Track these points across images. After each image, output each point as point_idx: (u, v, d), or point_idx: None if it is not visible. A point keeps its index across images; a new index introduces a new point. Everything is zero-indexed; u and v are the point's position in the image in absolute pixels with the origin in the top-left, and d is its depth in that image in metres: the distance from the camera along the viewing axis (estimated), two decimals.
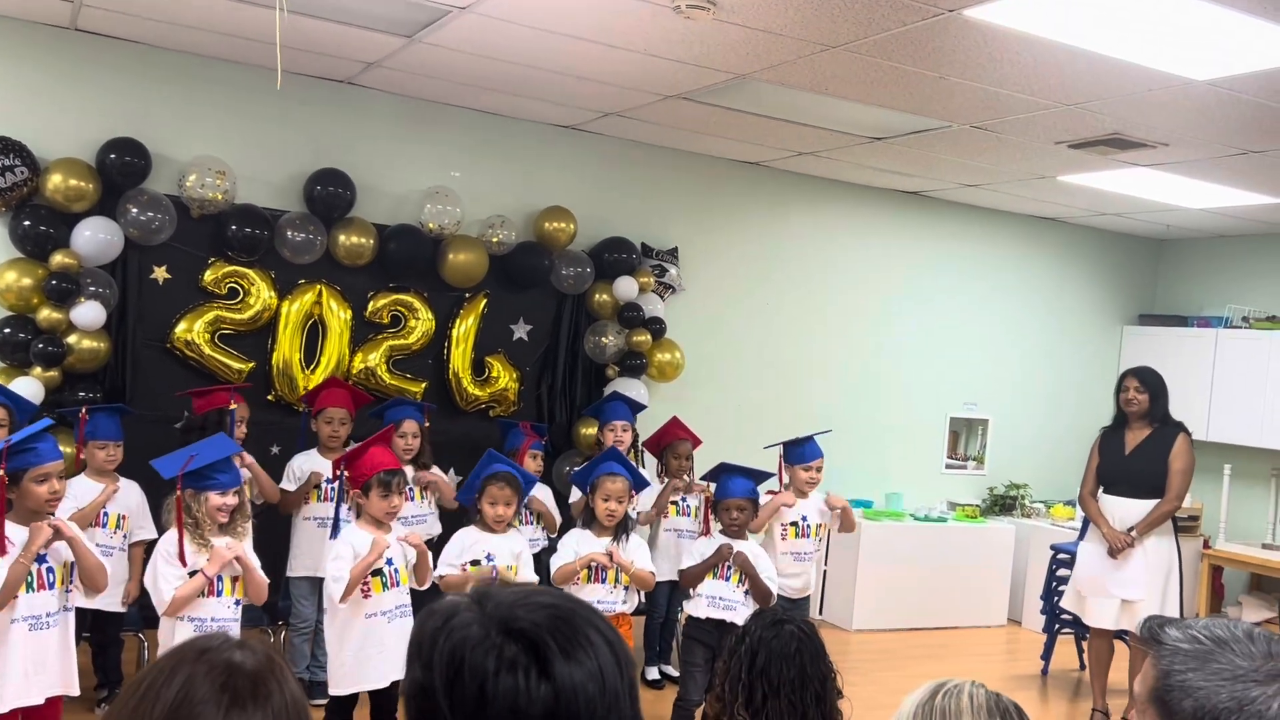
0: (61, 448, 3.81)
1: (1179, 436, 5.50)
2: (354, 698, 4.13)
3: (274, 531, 5.09)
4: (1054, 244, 8.70)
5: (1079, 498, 5.87)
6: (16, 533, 3.49)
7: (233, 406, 4.92)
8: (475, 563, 4.37)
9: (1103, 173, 6.63)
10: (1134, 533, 5.46)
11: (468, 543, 4.43)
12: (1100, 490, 5.68)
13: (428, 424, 5.44)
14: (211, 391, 5.06)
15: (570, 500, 5.62)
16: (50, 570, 3.52)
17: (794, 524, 5.31)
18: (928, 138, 6.09)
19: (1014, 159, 6.47)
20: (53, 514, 3.63)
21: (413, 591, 4.27)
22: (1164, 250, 9.18)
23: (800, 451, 5.43)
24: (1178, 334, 8.54)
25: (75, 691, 3.69)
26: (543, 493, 5.63)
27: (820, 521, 5.40)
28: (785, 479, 5.46)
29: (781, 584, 5.04)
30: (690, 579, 4.71)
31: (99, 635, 4.80)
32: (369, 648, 4.04)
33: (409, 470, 5.27)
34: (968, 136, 5.98)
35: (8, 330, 5.23)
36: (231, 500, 3.83)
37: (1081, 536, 6.03)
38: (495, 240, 6.26)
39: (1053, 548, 7.02)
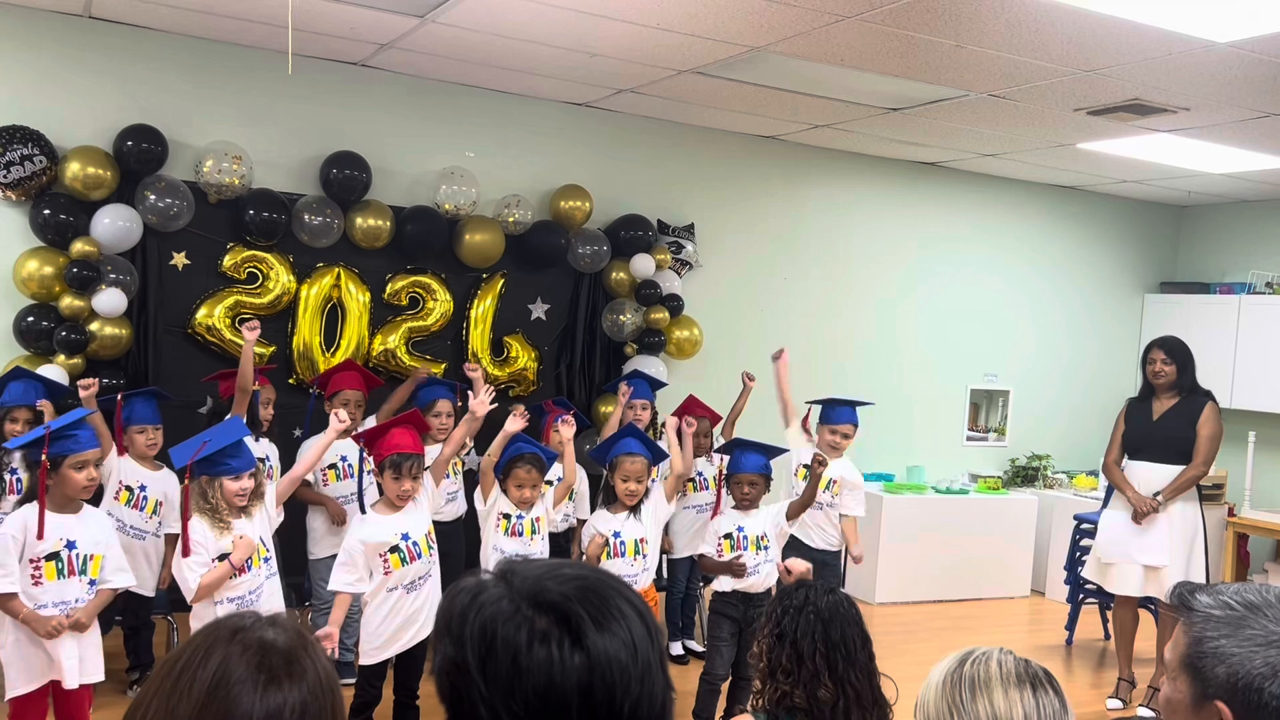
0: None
1: (1207, 404, 5.46)
2: (382, 669, 4.19)
3: (292, 514, 5.09)
4: (1073, 213, 8.62)
5: (1103, 466, 5.84)
6: (52, 520, 3.53)
7: (256, 388, 4.94)
8: (506, 515, 4.48)
9: (1123, 139, 6.57)
10: (1159, 497, 5.44)
11: (501, 505, 4.51)
12: (1126, 458, 5.65)
13: (460, 403, 5.45)
14: (235, 375, 5.08)
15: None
16: (79, 558, 3.57)
17: (806, 466, 5.32)
18: (945, 107, 6.04)
19: (1032, 127, 6.41)
20: (88, 500, 3.68)
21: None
22: (1185, 216, 9.09)
23: (831, 413, 5.50)
24: (1200, 301, 8.46)
25: (99, 678, 3.72)
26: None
27: (838, 478, 5.42)
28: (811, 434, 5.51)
29: (814, 537, 5.23)
30: (708, 568, 4.74)
31: (131, 618, 4.85)
32: (393, 619, 4.13)
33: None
34: (985, 105, 5.92)
35: (31, 319, 5.26)
36: (248, 484, 3.83)
37: (1105, 506, 6.00)
38: (511, 220, 6.26)
39: (1076, 518, 6.99)
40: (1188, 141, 6.44)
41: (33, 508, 3.52)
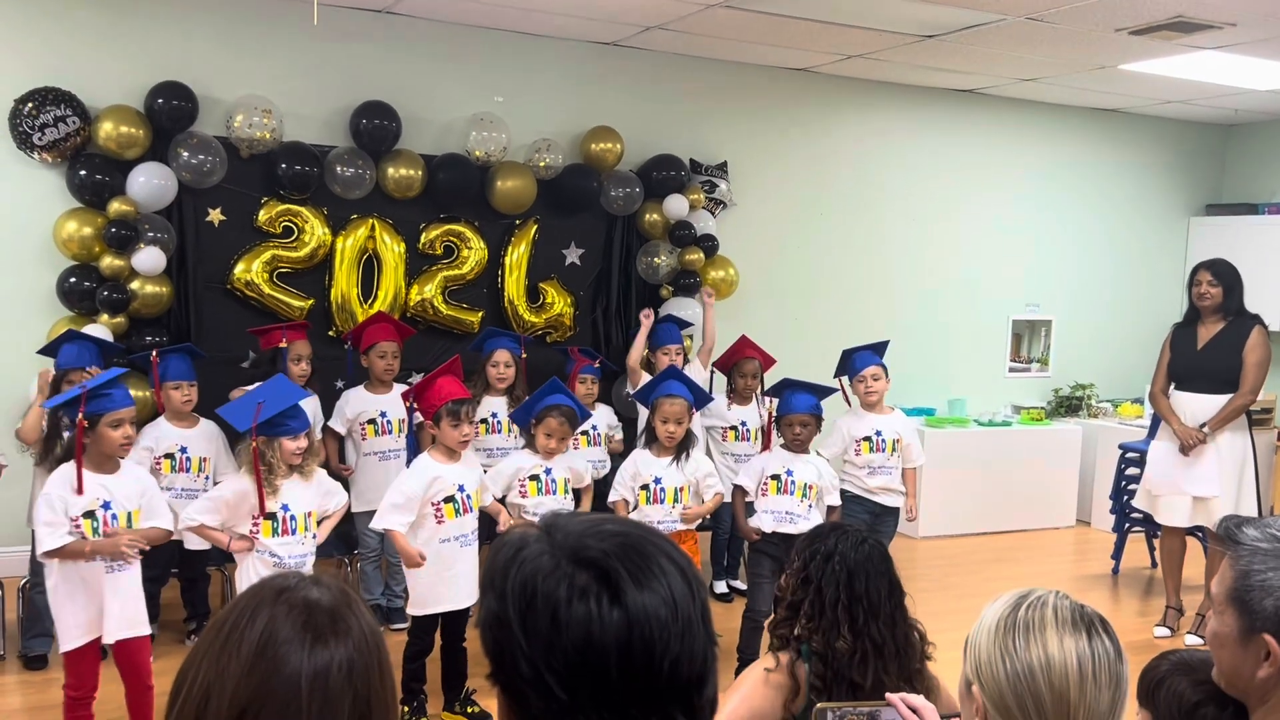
0: (133, 393, 3.90)
1: (1254, 329, 5.35)
2: (434, 619, 4.24)
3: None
4: (1116, 136, 8.42)
5: (1149, 395, 5.76)
6: (90, 479, 3.56)
7: (284, 345, 4.98)
8: (534, 478, 4.46)
9: (1166, 59, 6.39)
10: (1206, 428, 5.36)
11: (526, 464, 4.52)
12: (1172, 387, 5.57)
13: (524, 355, 5.45)
14: (270, 330, 5.15)
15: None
16: (115, 518, 3.61)
17: (867, 439, 5.20)
18: (981, 32, 5.89)
19: (1072, 50, 6.25)
20: (125, 458, 3.72)
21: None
22: (1232, 136, 8.85)
23: (850, 364, 5.32)
24: (1248, 223, 8.27)
25: (145, 631, 3.75)
26: (604, 414, 5.68)
27: (897, 437, 5.24)
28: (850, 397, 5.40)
29: (869, 492, 5.15)
30: (735, 506, 4.81)
31: (187, 571, 4.97)
32: (443, 571, 4.14)
33: (502, 401, 5.32)
34: (1023, 29, 5.77)
35: (73, 279, 5.33)
36: (303, 443, 3.90)
37: (1152, 435, 5.94)
38: (543, 165, 6.22)
39: (1121, 447, 6.92)
40: (1234, 58, 6.26)
41: (72, 466, 3.57)
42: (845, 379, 5.35)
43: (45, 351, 4.66)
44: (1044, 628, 1.47)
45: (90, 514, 3.56)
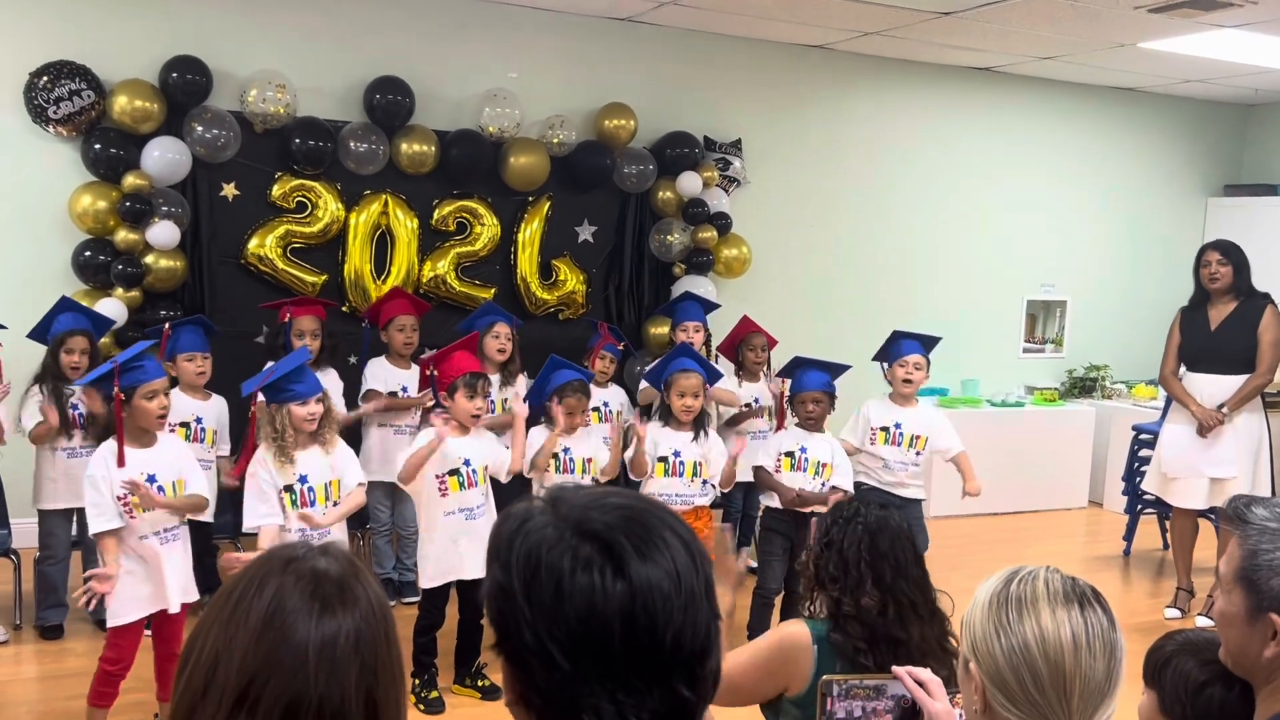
0: None
1: (1267, 308, 5.32)
2: (444, 592, 4.26)
3: (347, 437, 5.16)
4: (1133, 116, 8.35)
5: (1160, 378, 5.73)
6: (131, 455, 3.54)
7: (286, 320, 5.00)
8: (553, 455, 4.47)
9: (1186, 36, 6.32)
10: (1224, 409, 5.33)
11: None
12: (1183, 369, 5.54)
13: (516, 335, 5.45)
14: (280, 305, 5.16)
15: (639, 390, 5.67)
16: (161, 490, 3.59)
17: (884, 429, 5.06)
18: (999, 9, 5.84)
19: (1090, 27, 6.19)
20: (161, 430, 3.70)
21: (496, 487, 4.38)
22: (1251, 116, 8.76)
23: (895, 348, 5.15)
24: (1267, 203, 8.20)
25: (196, 597, 3.79)
26: (616, 393, 5.69)
27: (919, 433, 5.07)
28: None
29: (885, 485, 5.06)
30: (762, 482, 4.75)
31: (197, 544, 4.97)
32: (449, 542, 4.15)
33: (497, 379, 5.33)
34: (1041, 6, 5.72)
35: (88, 253, 5.36)
36: (316, 408, 3.80)
37: (1163, 417, 5.91)
38: (556, 141, 6.20)
39: (1135, 428, 6.90)
40: (1254, 37, 6.20)
41: (113, 444, 3.53)
42: (884, 363, 5.18)
43: (35, 334, 4.60)
44: (1036, 601, 1.47)
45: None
